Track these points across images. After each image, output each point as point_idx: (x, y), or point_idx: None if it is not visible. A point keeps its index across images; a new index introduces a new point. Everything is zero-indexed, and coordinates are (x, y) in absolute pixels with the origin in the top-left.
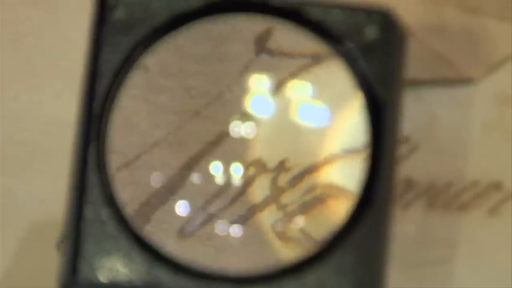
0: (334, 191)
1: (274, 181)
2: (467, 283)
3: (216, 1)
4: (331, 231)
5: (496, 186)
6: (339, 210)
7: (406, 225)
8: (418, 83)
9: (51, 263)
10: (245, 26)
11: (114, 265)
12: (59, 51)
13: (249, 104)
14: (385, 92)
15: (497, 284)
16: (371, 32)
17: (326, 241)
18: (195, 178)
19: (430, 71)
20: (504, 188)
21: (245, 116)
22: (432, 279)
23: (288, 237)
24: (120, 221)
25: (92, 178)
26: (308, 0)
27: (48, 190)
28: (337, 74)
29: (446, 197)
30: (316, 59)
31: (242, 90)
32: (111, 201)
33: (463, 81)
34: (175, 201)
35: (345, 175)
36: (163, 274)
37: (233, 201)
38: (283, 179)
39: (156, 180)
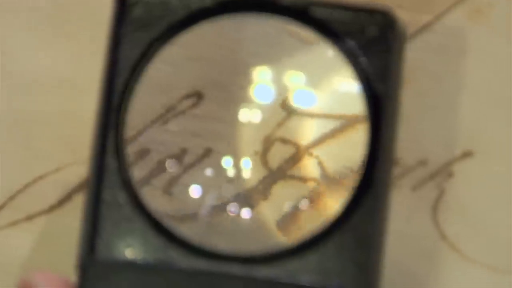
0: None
1: (274, 168)
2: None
3: (227, 2)
4: (332, 214)
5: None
6: (337, 196)
7: None
8: None
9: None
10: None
11: (130, 245)
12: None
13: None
14: (385, 87)
15: None
16: (372, 31)
17: (327, 224)
18: (207, 165)
19: None
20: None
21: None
22: None
23: (294, 220)
24: (136, 204)
25: (111, 164)
26: (314, 0)
27: None
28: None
29: None
30: None
31: None
32: (128, 185)
33: None
34: (188, 186)
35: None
36: (175, 254)
37: (242, 187)
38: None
39: (171, 166)
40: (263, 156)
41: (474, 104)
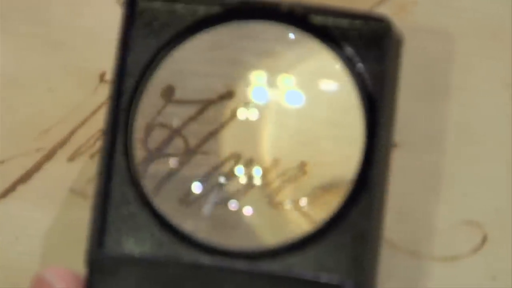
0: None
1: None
2: None
3: (231, 9)
4: (330, 212)
5: None
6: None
7: None
8: None
9: None
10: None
11: (137, 240)
12: None
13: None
14: (381, 91)
15: None
16: (369, 38)
17: (325, 221)
18: (211, 163)
19: None
20: None
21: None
22: None
23: (292, 216)
24: (143, 202)
25: (120, 164)
26: (313, 7)
27: None
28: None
29: None
30: None
31: None
32: (136, 183)
33: None
34: (192, 183)
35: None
36: (181, 250)
37: (244, 183)
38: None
39: (175, 164)
40: (144, 141)
41: (400, 98)
